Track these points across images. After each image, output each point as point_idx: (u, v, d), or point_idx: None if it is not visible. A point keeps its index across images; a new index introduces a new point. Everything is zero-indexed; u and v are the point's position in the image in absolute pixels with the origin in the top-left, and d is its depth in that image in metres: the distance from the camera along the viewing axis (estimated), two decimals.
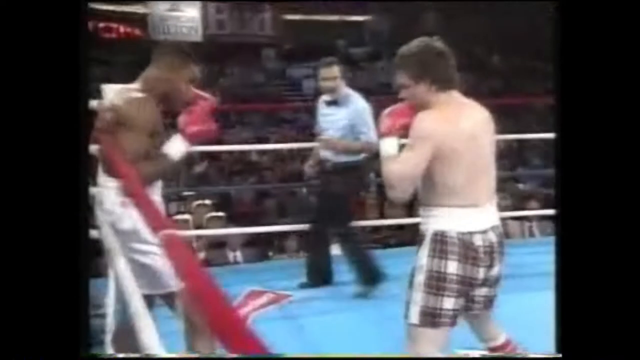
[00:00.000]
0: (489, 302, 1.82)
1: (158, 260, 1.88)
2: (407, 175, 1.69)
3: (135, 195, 1.44)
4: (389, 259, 3.75)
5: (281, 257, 4.26)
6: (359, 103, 3.22)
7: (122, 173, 1.63)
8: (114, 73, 9.90)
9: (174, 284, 1.89)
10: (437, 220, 1.72)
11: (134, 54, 12.41)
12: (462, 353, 2.35)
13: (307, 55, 13.90)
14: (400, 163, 1.70)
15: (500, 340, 1.91)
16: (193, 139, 1.93)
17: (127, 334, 2.00)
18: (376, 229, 4.69)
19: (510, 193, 5.49)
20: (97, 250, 3.28)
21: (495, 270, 1.76)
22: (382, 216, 4.89)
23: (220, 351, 1.98)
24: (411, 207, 5.01)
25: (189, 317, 1.92)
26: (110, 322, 2.07)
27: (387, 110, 1.82)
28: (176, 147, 1.92)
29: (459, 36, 12.83)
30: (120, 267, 1.60)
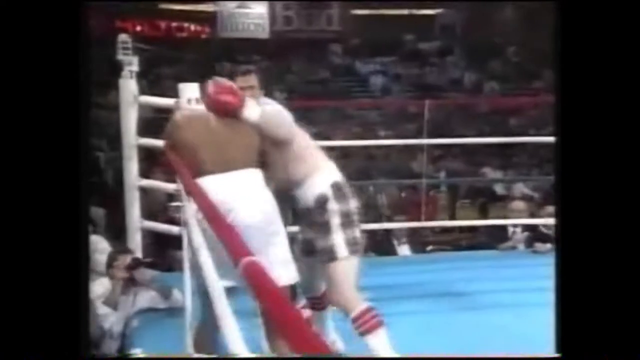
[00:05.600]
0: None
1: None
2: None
3: (213, 220, 1.41)
4: (458, 262, 3.60)
5: None
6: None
7: (191, 191, 1.62)
8: (186, 71, 10.15)
9: None
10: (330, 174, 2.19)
11: (205, 52, 12.72)
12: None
13: (375, 51, 13.73)
14: None
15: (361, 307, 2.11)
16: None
17: (208, 334, 2.05)
18: (447, 230, 4.56)
19: None
20: (175, 245, 3.33)
21: None
22: (453, 217, 4.74)
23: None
24: (484, 209, 4.82)
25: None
26: (189, 319, 2.11)
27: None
28: None
29: (536, 31, 12.32)
30: (206, 263, 1.59)
